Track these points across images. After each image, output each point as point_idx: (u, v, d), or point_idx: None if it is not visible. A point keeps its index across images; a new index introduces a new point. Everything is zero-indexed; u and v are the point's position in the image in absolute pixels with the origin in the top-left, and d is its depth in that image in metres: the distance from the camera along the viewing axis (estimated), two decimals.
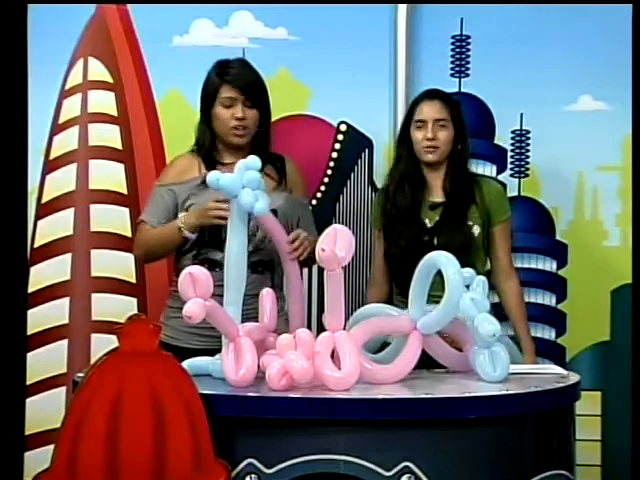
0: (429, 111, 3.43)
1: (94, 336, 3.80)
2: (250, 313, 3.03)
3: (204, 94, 3.38)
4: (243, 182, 2.90)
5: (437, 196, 3.46)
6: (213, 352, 2.93)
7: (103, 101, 3.91)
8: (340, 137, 3.96)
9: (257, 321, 3.00)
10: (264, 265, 3.32)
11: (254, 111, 3.34)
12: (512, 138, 3.96)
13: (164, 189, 3.36)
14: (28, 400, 3.82)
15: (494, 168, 3.96)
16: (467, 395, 2.69)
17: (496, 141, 3.96)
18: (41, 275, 3.87)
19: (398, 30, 3.90)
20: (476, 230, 3.42)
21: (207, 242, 3.28)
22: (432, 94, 3.48)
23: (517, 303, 3.47)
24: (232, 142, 3.34)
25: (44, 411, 3.75)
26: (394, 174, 3.50)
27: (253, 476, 2.62)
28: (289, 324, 3.14)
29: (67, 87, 3.91)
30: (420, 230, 3.39)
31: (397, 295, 3.43)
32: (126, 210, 3.89)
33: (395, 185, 3.47)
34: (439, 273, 2.83)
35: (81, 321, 3.83)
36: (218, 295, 2.82)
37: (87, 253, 3.85)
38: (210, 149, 3.37)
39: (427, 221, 3.42)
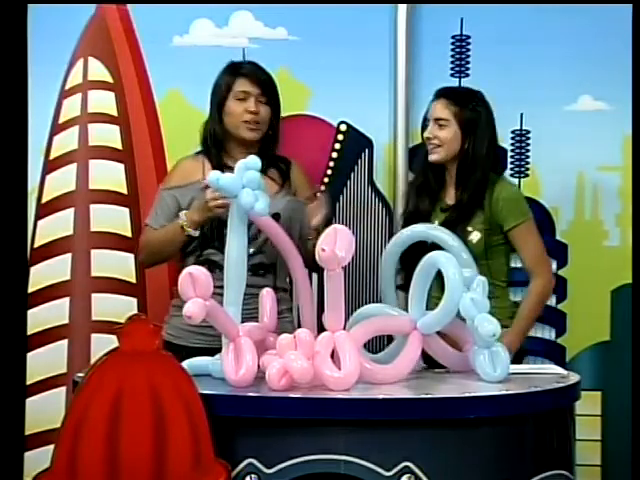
0: (432, 110, 3.43)
1: (94, 336, 3.79)
2: (250, 313, 3.03)
3: (216, 89, 3.40)
4: (243, 182, 2.91)
5: (450, 198, 3.45)
6: (214, 351, 2.93)
7: (103, 101, 3.91)
8: (340, 137, 3.96)
9: (256, 322, 3.00)
10: (265, 268, 3.32)
11: (267, 107, 3.37)
12: (512, 138, 3.96)
13: (167, 193, 3.36)
14: (28, 400, 3.81)
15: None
16: (467, 395, 2.69)
17: None
18: (41, 275, 3.86)
19: (398, 30, 3.90)
20: (475, 236, 3.36)
21: (210, 243, 3.28)
22: (438, 92, 3.47)
23: (527, 301, 3.35)
24: (244, 137, 3.35)
25: (44, 411, 3.74)
26: (415, 172, 3.60)
27: (253, 476, 2.62)
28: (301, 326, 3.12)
29: (67, 87, 3.91)
30: None
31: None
32: (126, 210, 3.88)
33: (412, 185, 3.56)
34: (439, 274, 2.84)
35: (81, 321, 3.83)
36: (218, 294, 2.82)
37: (87, 253, 3.85)
38: (220, 147, 3.37)
39: (436, 222, 3.39)
